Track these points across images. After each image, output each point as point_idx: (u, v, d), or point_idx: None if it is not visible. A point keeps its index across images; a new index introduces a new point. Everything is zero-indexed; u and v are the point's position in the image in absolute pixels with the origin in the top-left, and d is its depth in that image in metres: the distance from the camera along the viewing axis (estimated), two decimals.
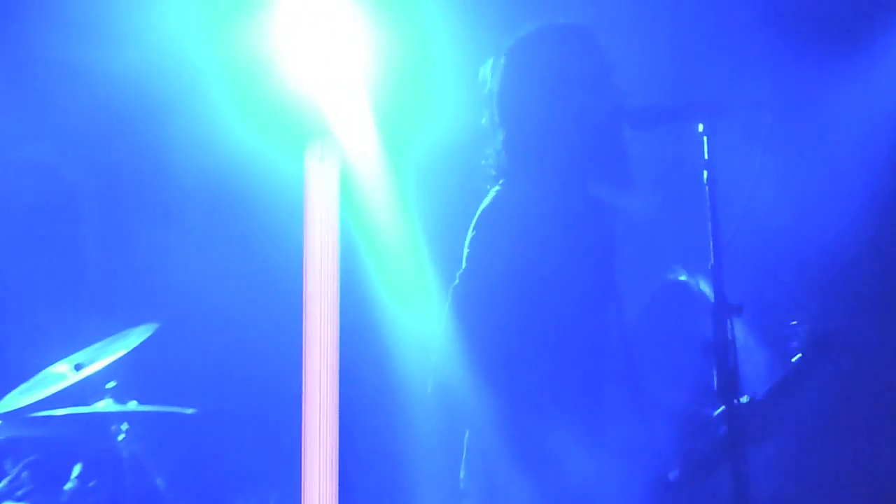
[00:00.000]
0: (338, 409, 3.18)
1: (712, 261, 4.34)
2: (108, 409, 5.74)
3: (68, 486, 5.74)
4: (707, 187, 4.41)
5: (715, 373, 4.27)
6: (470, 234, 4.99)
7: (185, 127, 6.14)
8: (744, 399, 4.41)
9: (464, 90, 5.32)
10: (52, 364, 5.85)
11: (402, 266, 5.68)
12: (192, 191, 6.44)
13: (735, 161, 4.48)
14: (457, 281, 4.98)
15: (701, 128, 4.48)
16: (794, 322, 5.25)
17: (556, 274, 4.88)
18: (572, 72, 4.95)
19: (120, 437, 5.77)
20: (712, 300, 4.33)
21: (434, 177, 5.95)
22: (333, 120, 5.24)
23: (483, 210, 5.01)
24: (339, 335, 3.20)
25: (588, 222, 4.99)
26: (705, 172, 4.44)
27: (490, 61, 5.09)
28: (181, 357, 6.34)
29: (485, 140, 5.08)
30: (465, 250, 5.00)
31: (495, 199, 5.02)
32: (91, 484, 5.74)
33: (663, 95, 5.27)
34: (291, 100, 5.00)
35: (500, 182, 5.05)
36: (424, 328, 5.18)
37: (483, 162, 5.10)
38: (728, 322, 4.30)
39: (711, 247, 4.34)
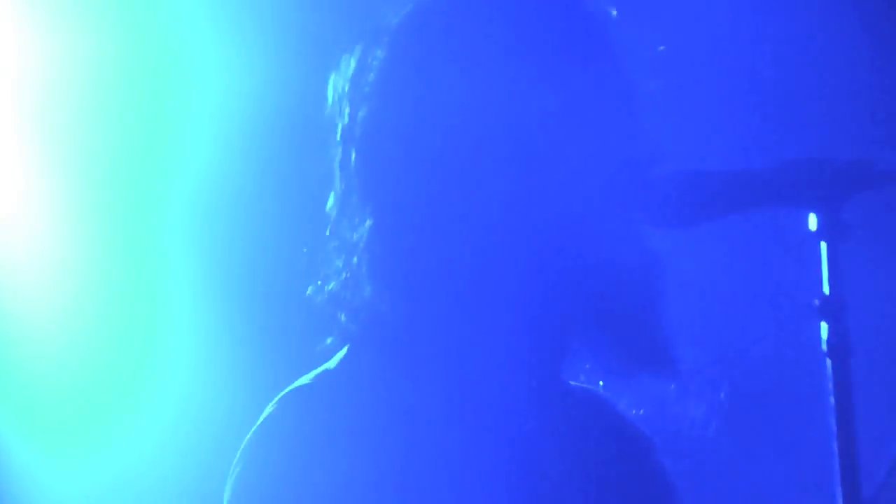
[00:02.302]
0: None
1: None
2: None
3: None
4: (829, 360, 2.16)
5: None
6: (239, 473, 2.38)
7: None
8: None
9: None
10: None
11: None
12: None
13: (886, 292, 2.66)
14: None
15: (814, 223, 2.26)
16: None
17: None
18: (552, 92, 2.30)
19: None
20: None
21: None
22: None
23: (272, 430, 2.32)
24: None
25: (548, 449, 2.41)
26: (825, 328, 2.18)
27: (347, 61, 2.49)
28: None
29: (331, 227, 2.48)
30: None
31: (314, 395, 2.36)
32: None
33: (722, 158, 2.81)
34: None
35: (344, 351, 2.46)
36: None
37: (319, 284, 2.47)
38: None
39: (839, 485, 2.17)
